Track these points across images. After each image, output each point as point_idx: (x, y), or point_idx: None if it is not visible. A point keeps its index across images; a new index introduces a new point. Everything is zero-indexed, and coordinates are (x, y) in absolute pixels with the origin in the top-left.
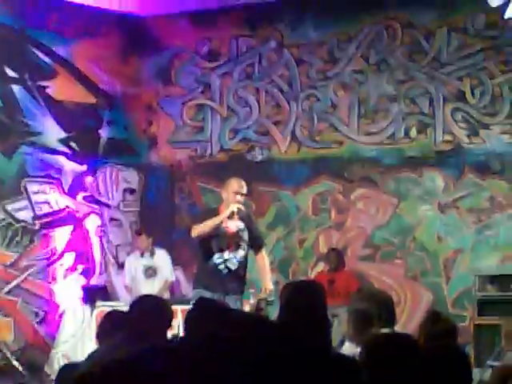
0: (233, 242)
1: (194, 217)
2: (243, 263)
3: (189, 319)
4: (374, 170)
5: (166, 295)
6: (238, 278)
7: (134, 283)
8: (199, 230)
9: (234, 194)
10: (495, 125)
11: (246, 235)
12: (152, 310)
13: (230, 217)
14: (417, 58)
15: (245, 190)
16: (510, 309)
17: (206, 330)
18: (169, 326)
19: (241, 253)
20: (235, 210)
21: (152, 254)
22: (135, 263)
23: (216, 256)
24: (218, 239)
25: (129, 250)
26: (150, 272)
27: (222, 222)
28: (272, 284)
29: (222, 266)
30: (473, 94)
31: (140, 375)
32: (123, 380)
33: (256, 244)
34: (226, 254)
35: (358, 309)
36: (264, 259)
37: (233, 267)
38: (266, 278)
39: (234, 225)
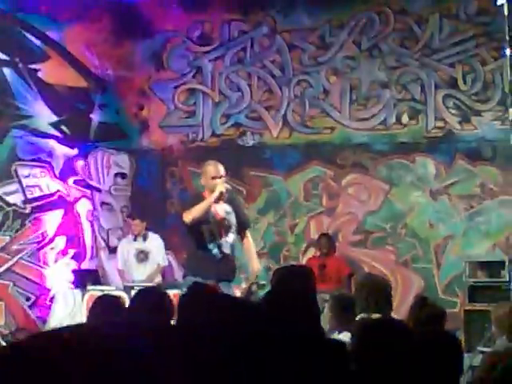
0: (223, 226)
1: (185, 202)
2: (233, 247)
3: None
4: (366, 155)
5: (158, 279)
6: (230, 263)
7: (126, 267)
8: (192, 215)
9: (212, 179)
10: (487, 111)
11: (233, 218)
12: (154, 305)
13: (219, 199)
14: (409, 44)
15: (223, 172)
16: (500, 295)
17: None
18: (169, 322)
19: (231, 237)
20: (224, 190)
21: (145, 238)
22: (128, 247)
23: (208, 241)
24: (209, 224)
25: (120, 234)
26: (142, 256)
27: (211, 206)
28: (260, 266)
29: (215, 251)
30: (464, 80)
31: (123, 351)
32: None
33: (242, 227)
34: (219, 239)
35: (336, 295)
36: (250, 241)
37: (227, 252)
38: (254, 260)
39: (222, 208)
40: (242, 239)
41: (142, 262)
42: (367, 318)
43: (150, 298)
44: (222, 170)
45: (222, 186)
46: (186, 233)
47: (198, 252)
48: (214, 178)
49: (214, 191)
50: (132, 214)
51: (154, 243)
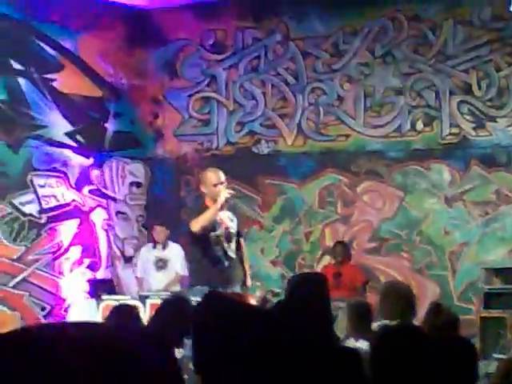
0: (228, 233)
1: (200, 210)
2: (239, 254)
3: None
4: (381, 163)
5: (175, 288)
6: (236, 271)
7: (145, 274)
8: (200, 223)
9: (213, 186)
10: (501, 117)
11: (235, 226)
12: (178, 313)
13: (223, 205)
14: (423, 50)
15: (223, 179)
16: None
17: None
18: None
19: (234, 243)
20: (228, 196)
21: (164, 246)
22: (147, 254)
23: (216, 249)
24: (215, 232)
25: (135, 243)
26: (161, 264)
27: (217, 213)
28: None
29: (223, 259)
30: (479, 86)
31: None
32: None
33: (240, 234)
34: (225, 247)
35: (353, 303)
36: (245, 250)
37: (234, 257)
38: (247, 271)
39: (226, 216)
40: (239, 248)
41: (160, 269)
42: (388, 325)
43: (175, 306)
44: (222, 176)
45: (225, 192)
46: (191, 242)
47: (204, 261)
48: (215, 185)
49: (218, 198)
50: (152, 222)
51: (174, 252)
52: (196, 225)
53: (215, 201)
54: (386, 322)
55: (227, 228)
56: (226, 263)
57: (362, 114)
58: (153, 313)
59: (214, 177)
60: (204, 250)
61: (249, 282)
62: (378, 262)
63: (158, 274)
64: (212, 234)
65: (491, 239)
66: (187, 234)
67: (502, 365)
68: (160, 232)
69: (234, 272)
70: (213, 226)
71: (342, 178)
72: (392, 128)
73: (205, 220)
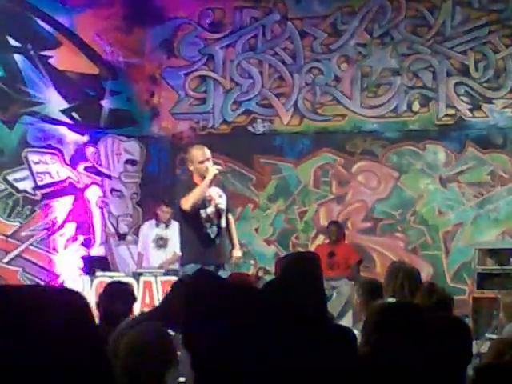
0: (218, 210)
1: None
2: (227, 230)
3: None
4: (376, 143)
5: (174, 267)
6: (226, 247)
7: (145, 251)
8: (191, 201)
9: (199, 163)
10: (498, 99)
11: (225, 202)
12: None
13: (211, 182)
14: (421, 31)
15: (209, 155)
16: (508, 282)
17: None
18: None
19: (224, 219)
20: (217, 172)
21: (167, 225)
22: (148, 231)
23: (207, 225)
24: (205, 209)
25: (130, 220)
26: (161, 243)
27: (206, 190)
28: (241, 253)
29: (213, 236)
30: (476, 68)
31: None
32: None
33: (228, 210)
34: (216, 223)
35: (364, 281)
36: (233, 226)
37: (224, 234)
38: (236, 245)
39: (215, 192)
40: (227, 223)
41: (160, 248)
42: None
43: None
44: (208, 152)
45: (213, 169)
46: (183, 219)
47: (196, 238)
48: (201, 161)
49: (206, 175)
50: (159, 200)
51: (176, 231)
52: (186, 202)
53: (203, 178)
54: (392, 299)
55: (217, 204)
56: (218, 240)
57: (359, 94)
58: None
59: (200, 153)
60: (195, 227)
61: (236, 254)
62: (372, 241)
63: (158, 252)
64: (202, 211)
65: (485, 220)
66: (178, 212)
67: (495, 345)
68: (165, 211)
69: (226, 248)
70: (203, 203)
71: (337, 158)
72: (388, 108)
73: (195, 197)
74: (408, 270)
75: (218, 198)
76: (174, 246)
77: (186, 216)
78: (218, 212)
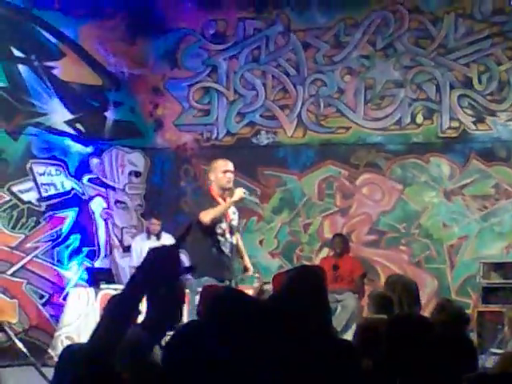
0: (231, 226)
1: (199, 200)
2: (237, 250)
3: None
4: (380, 155)
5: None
6: (235, 263)
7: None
8: (211, 215)
9: (223, 172)
10: (502, 111)
11: (237, 218)
12: None
13: (224, 199)
14: (424, 43)
15: (232, 168)
16: None
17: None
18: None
19: (237, 236)
20: (243, 195)
21: (158, 237)
22: (141, 244)
23: (221, 241)
24: (221, 224)
25: (134, 232)
26: None
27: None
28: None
29: (227, 251)
30: (480, 80)
31: None
32: None
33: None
34: (228, 238)
35: (375, 294)
36: (240, 242)
37: (235, 250)
38: (247, 259)
39: (231, 210)
40: (237, 243)
41: None
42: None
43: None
44: (231, 165)
45: (241, 192)
46: (199, 233)
47: (210, 252)
48: (224, 171)
49: (227, 187)
50: (149, 213)
51: (167, 242)
52: (206, 216)
53: (222, 189)
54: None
55: (230, 221)
56: (230, 255)
57: (362, 106)
58: None
59: (224, 164)
60: (211, 241)
61: (250, 271)
62: (376, 254)
63: None
64: (217, 225)
65: (490, 234)
66: (196, 225)
67: (502, 359)
68: (155, 224)
69: (235, 264)
70: (220, 219)
71: (341, 171)
72: (392, 121)
73: (215, 213)
74: (405, 283)
75: (232, 214)
76: None
77: (203, 229)
78: (231, 228)
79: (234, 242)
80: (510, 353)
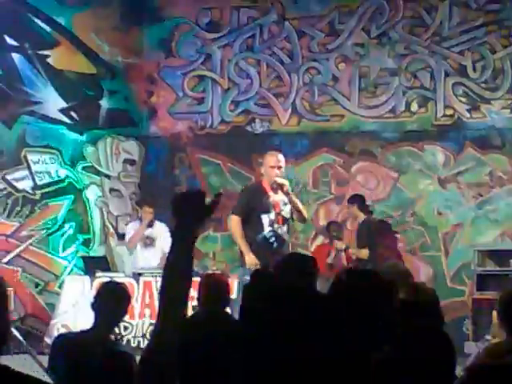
0: (280, 216)
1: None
2: (288, 238)
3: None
4: (375, 143)
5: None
6: (284, 253)
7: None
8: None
9: (270, 168)
10: (496, 99)
11: (288, 209)
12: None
13: (276, 191)
14: (418, 31)
15: (282, 163)
16: (508, 284)
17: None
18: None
19: (286, 227)
20: (283, 183)
21: (151, 225)
22: (133, 231)
23: (267, 230)
24: (268, 214)
25: (128, 220)
26: (148, 241)
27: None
28: None
29: (272, 240)
30: (474, 68)
31: None
32: None
33: (301, 218)
34: (276, 228)
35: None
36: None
37: (285, 238)
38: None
39: (280, 199)
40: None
41: (147, 247)
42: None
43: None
44: (282, 160)
45: (252, 262)
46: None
47: (256, 241)
48: (272, 167)
49: (272, 179)
50: (141, 201)
51: (160, 230)
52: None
53: (271, 182)
54: None
55: (280, 211)
56: (275, 244)
57: (357, 94)
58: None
59: (272, 160)
60: (255, 231)
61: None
62: None
63: (145, 251)
64: (264, 215)
65: (484, 221)
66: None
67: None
68: (148, 212)
69: (280, 254)
70: (267, 207)
71: (336, 158)
72: (386, 109)
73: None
74: (398, 271)
75: (283, 205)
76: (162, 245)
77: (248, 219)
78: (281, 219)
79: (281, 232)
80: (493, 344)
